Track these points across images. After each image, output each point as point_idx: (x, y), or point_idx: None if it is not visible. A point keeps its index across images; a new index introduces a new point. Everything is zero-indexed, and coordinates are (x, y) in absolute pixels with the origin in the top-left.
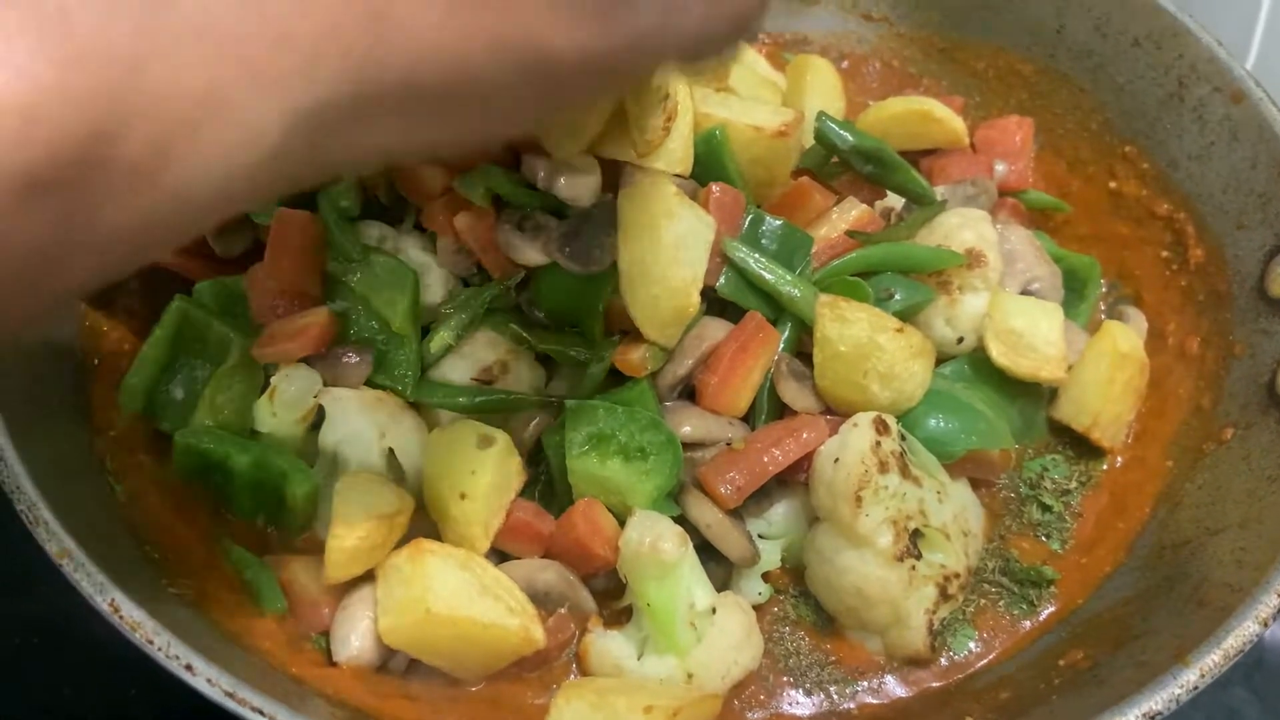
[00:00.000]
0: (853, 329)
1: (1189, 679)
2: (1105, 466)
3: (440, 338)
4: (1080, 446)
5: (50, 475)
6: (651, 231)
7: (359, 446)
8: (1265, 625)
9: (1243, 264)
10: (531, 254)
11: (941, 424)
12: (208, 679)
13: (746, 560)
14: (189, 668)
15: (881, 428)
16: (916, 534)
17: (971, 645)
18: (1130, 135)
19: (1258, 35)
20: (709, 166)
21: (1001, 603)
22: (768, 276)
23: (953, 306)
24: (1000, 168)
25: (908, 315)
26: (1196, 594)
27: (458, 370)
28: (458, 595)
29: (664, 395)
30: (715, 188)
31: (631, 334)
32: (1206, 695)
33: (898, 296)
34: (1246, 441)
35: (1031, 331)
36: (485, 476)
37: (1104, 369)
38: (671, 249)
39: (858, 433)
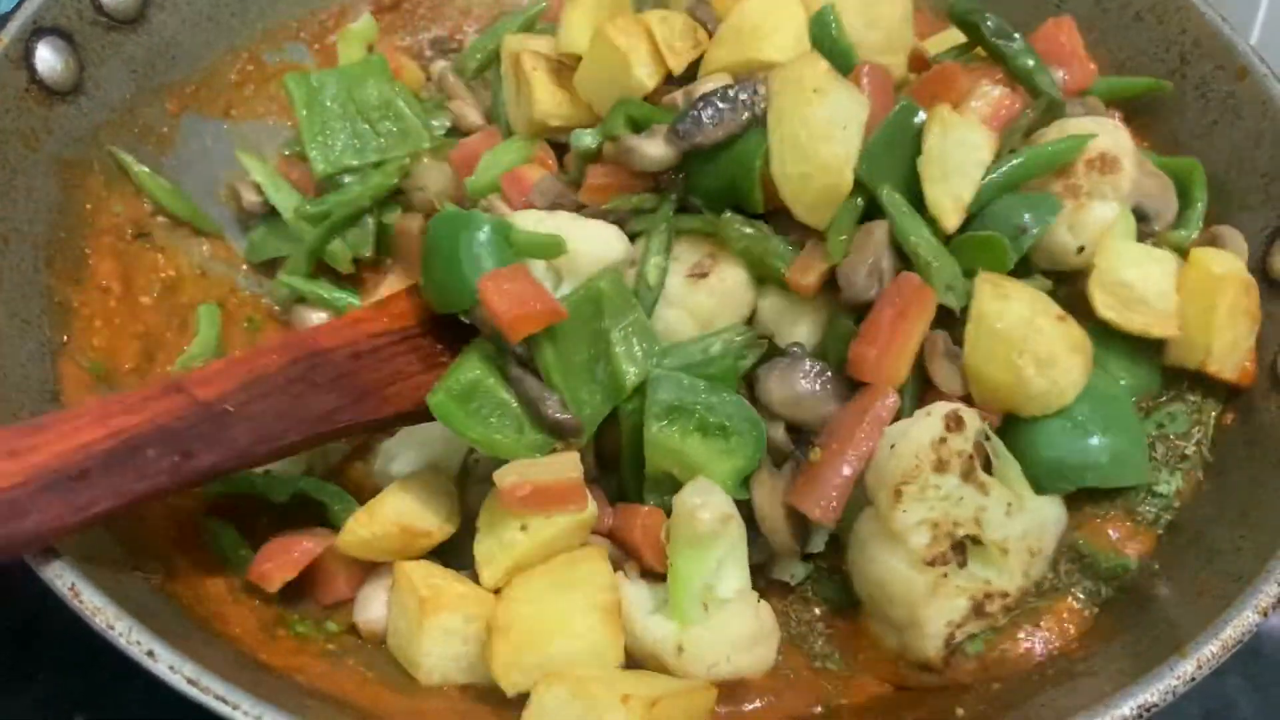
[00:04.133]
0: (1013, 306)
1: (1185, 670)
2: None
3: (654, 263)
4: (1204, 387)
5: None
6: (803, 108)
7: (446, 446)
8: (1265, 615)
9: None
10: (654, 149)
11: (1073, 450)
12: (169, 665)
13: (786, 553)
14: (150, 654)
15: (954, 423)
16: (967, 542)
17: (976, 652)
18: (1130, 112)
19: (1261, 10)
20: (824, 47)
21: (1071, 599)
22: (911, 237)
23: (1078, 212)
24: (1059, 75)
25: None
26: (1194, 582)
27: (677, 275)
28: None
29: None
30: (865, 67)
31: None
32: (1201, 684)
33: (1031, 230)
34: (1248, 426)
35: (1144, 284)
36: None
37: (1204, 296)
38: (825, 125)
39: (925, 423)
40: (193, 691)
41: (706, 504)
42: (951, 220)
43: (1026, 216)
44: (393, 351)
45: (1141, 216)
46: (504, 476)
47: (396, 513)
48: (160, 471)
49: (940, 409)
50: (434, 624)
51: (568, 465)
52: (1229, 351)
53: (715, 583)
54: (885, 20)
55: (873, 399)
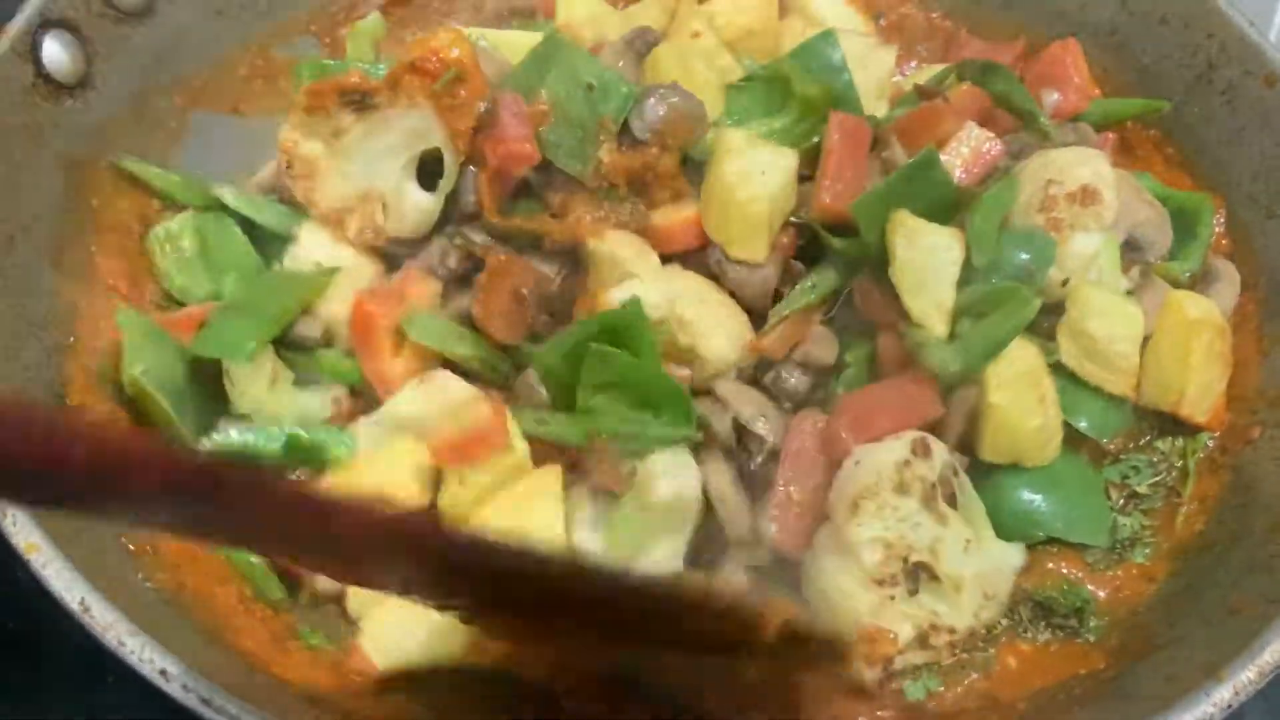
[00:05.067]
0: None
1: (1223, 696)
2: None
3: None
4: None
5: None
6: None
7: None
8: None
9: (1272, 254)
10: None
11: (1039, 503)
12: (183, 685)
13: (741, 538)
14: (163, 673)
15: (921, 449)
16: (921, 572)
17: (926, 691)
18: (1155, 118)
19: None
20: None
21: (1041, 638)
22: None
23: (1061, 245)
24: (1054, 98)
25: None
26: (1226, 602)
27: None
28: None
29: None
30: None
31: None
32: None
33: (1032, 266)
34: (1276, 441)
35: (1107, 339)
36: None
37: (1178, 340)
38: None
39: (892, 445)
40: (206, 712)
41: (670, 477)
42: (940, 328)
43: (1025, 255)
44: None
45: (1135, 247)
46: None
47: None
48: None
49: (910, 435)
50: None
51: (480, 414)
52: (1202, 395)
53: (651, 547)
54: (876, 67)
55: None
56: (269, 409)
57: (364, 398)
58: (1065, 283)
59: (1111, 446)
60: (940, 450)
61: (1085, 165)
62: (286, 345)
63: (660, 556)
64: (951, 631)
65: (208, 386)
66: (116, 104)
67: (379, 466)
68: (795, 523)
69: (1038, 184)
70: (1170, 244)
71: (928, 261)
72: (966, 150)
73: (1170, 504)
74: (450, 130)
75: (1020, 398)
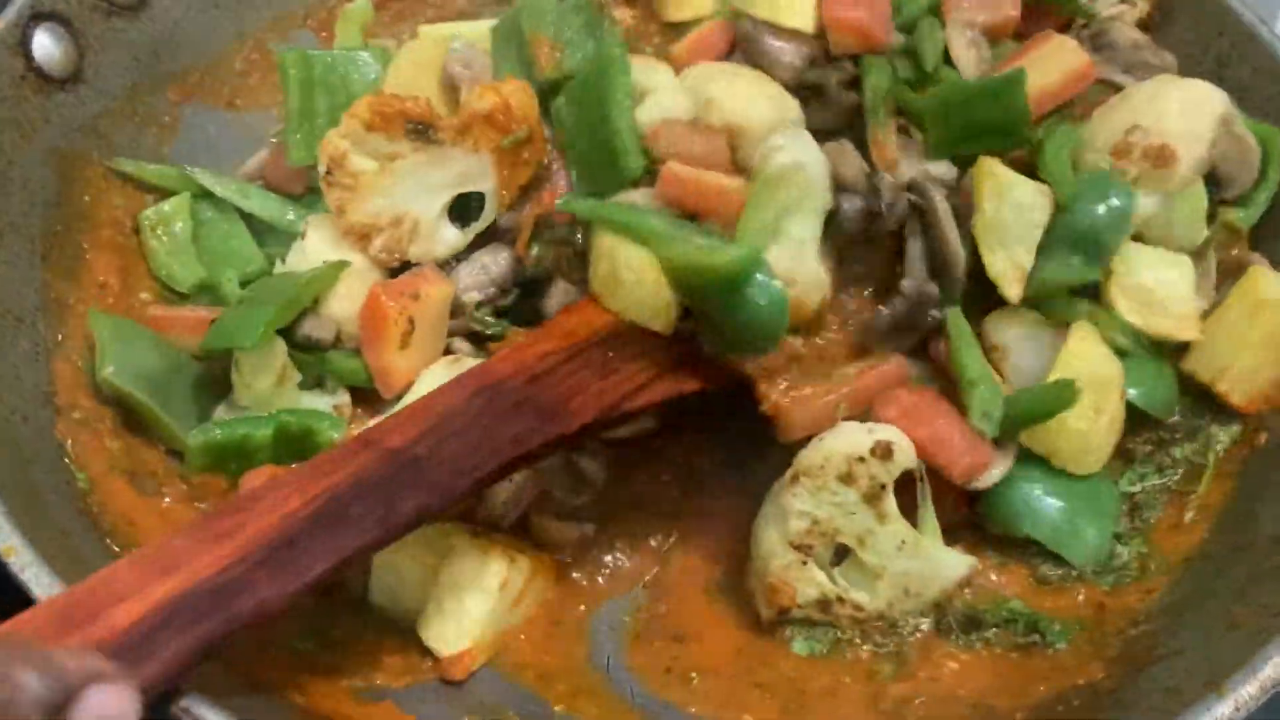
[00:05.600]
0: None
1: (1223, 712)
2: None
3: None
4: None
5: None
6: None
7: None
8: None
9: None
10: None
11: (1044, 504)
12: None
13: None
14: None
15: (882, 452)
16: (847, 549)
17: (809, 650)
18: None
19: None
20: None
21: (1014, 654)
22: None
23: None
24: None
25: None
26: (1227, 613)
27: None
28: None
29: None
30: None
31: None
32: None
33: (1105, 226)
34: None
35: (1162, 287)
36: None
37: (1244, 313)
38: None
39: (856, 435)
40: (184, 718)
41: (787, 148)
42: (1014, 290)
43: (1101, 213)
44: (567, 370)
45: (1215, 181)
46: None
47: None
48: (367, 526)
49: (881, 432)
50: None
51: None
52: (1246, 376)
53: (786, 222)
54: None
55: None
56: (271, 406)
57: (370, 404)
58: None
59: (1139, 448)
60: (906, 457)
61: (1184, 118)
62: (295, 346)
63: (802, 233)
64: (858, 609)
65: (205, 380)
66: (109, 98)
67: None
68: None
69: (1123, 123)
70: (1253, 181)
71: (1015, 219)
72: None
73: (1170, 511)
74: (503, 183)
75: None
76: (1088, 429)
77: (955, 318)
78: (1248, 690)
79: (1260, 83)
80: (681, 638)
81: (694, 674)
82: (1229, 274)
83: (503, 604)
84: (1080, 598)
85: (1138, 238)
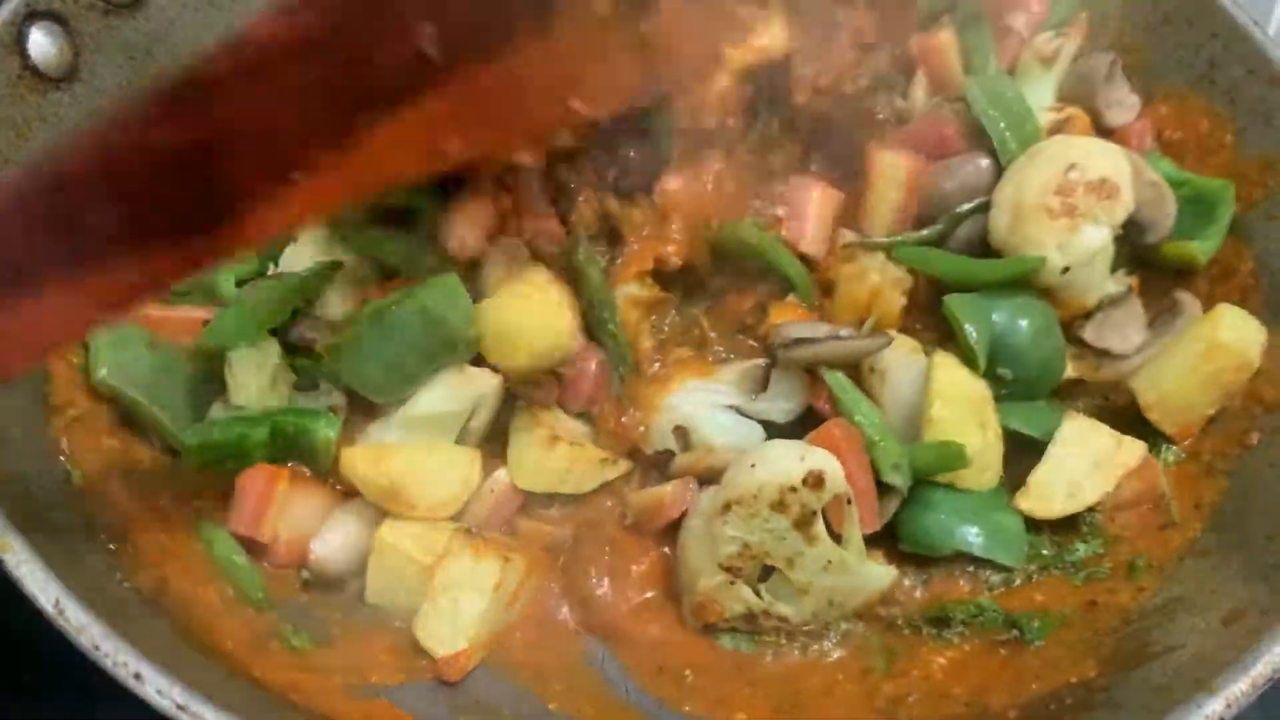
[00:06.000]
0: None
1: (1214, 709)
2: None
3: None
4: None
5: None
6: None
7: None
8: None
9: (1272, 257)
10: None
11: (958, 523)
12: (157, 689)
13: None
14: (138, 676)
15: (814, 482)
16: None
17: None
18: (1157, 118)
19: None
20: None
21: (1002, 651)
22: (856, 417)
23: (1070, 233)
24: (1019, 19)
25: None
26: (1220, 611)
27: None
28: None
29: None
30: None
31: None
32: None
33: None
34: (1272, 447)
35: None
36: None
37: (1195, 350)
38: None
39: (788, 463)
40: (183, 717)
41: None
42: None
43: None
44: None
45: (1137, 227)
46: None
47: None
48: None
49: (814, 459)
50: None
51: None
52: (1179, 409)
53: None
54: None
55: None
56: (267, 405)
57: (365, 405)
58: (1065, 270)
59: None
60: (836, 483)
61: (1106, 157)
62: (288, 347)
63: None
64: (783, 620)
65: (200, 379)
66: (105, 97)
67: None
68: None
69: (1058, 166)
70: (1172, 225)
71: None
72: None
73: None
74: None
75: (962, 418)
76: (981, 445)
77: (834, 378)
78: (1239, 687)
79: (1253, 84)
80: (675, 636)
81: (688, 672)
82: (1165, 309)
83: (498, 603)
84: (1040, 596)
85: (1047, 291)
